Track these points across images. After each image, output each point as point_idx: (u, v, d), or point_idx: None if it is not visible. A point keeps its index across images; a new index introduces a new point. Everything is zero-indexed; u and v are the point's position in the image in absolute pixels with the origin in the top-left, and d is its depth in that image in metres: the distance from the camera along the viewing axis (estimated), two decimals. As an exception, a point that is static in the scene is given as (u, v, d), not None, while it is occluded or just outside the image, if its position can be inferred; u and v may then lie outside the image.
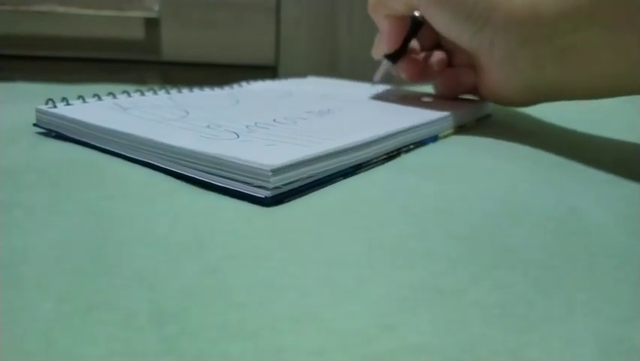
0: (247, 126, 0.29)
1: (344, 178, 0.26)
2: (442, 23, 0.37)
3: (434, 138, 0.34)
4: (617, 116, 0.43)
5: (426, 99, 0.42)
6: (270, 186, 0.22)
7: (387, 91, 0.46)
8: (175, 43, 1.11)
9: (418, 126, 0.33)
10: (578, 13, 0.30)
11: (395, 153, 0.30)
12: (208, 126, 0.28)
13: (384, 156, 0.29)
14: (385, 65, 0.42)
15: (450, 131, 0.36)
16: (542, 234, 0.21)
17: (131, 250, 0.18)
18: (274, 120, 0.31)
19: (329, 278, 0.17)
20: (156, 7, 1.07)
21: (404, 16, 0.39)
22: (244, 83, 0.47)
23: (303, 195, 0.23)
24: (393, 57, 0.41)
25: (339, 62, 1.14)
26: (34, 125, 0.31)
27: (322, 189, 0.24)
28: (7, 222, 0.19)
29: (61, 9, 1.03)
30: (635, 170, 0.28)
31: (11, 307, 0.14)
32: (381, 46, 0.41)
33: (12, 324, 0.14)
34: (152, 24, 1.09)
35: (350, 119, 0.34)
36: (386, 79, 0.44)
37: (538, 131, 0.38)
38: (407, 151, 0.31)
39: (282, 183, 0.22)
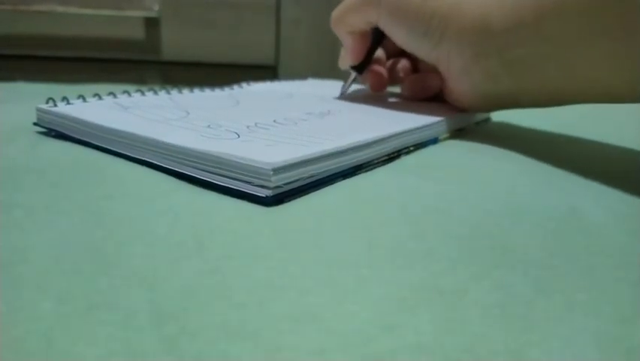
0: (247, 127, 0.29)
1: (344, 179, 0.26)
2: (401, 39, 0.38)
3: (434, 141, 0.34)
4: (617, 119, 0.43)
5: (393, 100, 0.43)
6: (271, 185, 0.22)
7: (388, 94, 0.46)
8: (175, 43, 1.10)
9: (418, 128, 0.33)
10: (522, 28, 0.31)
11: (395, 154, 0.30)
12: (209, 126, 0.28)
13: (385, 158, 0.29)
14: (352, 76, 0.43)
15: (447, 135, 0.36)
16: (542, 234, 0.21)
17: (130, 249, 0.18)
18: (274, 121, 0.31)
19: (329, 278, 0.17)
20: (156, 7, 1.07)
21: (366, 30, 0.40)
22: (244, 84, 0.47)
23: (303, 195, 0.23)
24: (359, 68, 0.42)
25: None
26: (35, 124, 0.31)
27: (322, 189, 0.24)
28: (7, 222, 0.19)
29: (60, 8, 1.03)
30: (635, 171, 0.28)
31: (11, 308, 0.14)
32: (347, 57, 0.42)
33: (12, 324, 0.14)
34: (152, 24, 1.09)
35: (350, 120, 0.34)
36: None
37: (537, 134, 0.38)
38: (407, 153, 0.31)
39: (283, 182, 0.22)
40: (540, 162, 0.30)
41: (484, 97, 0.36)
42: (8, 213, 0.20)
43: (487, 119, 0.43)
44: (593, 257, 0.19)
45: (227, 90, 0.44)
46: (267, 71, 1.13)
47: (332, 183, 0.25)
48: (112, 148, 0.27)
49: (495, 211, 0.22)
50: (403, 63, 0.44)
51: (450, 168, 0.28)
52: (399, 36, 0.38)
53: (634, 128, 0.38)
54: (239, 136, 0.26)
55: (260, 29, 1.12)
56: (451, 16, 0.35)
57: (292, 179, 0.23)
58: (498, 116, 0.43)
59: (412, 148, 0.32)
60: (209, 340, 0.14)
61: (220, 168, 0.23)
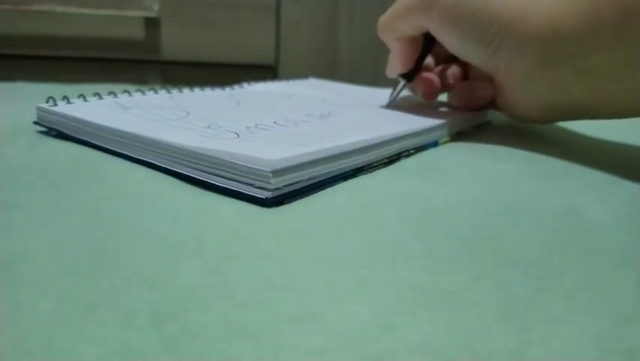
0: (247, 127, 0.29)
1: (344, 181, 0.26)
2: (454, 46, 0.36)
3: (435, 144, 0.34)
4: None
5: (442, 109, 0.41)
6: (271, 187, 0.22)
7: (437, 104, 0.44)
8: (175, 43, 1.10)
9: (419, 132, 0.32)
10: (601, 32, 0.29)
11: (395, 157, 0.30)
12: (209, 126, 0.28)
13: (385, 160, 0.29)
14: (401, 84, 0.41)
15: (447, 138, 0.36)
16: (542, 234, 0.21)
17: (130, 249, 0.18)
18: (275, 122, 0.31)
19: (329, 278, 0.17)
20: (156, 7, 1.07)
21: (415, 36, 0.38)
22: (245, 84, 0.47)
23: (303, 197, 0.23)
24: (409, 76, 0.40)
25: (339, 62, 1.14)
26: (35, 123, 0.31)
27: (323, 191, 0.24)
28: (8, 222, 0.19)
29: (60, 8, 1.03)
30: (635, 171, 0.28)
31: (12, 308, 0.14)
32: (395, 65, 0.40)
33: (13, 324, 0.14)
34: (151, 23, 1.09)
35: (351, 122, 0.33)
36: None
37: (537, 135, 0.38)
38: (407, 155, 0.31)
39: (282, 184, 0.22)
40: (539, 163, 0.30)
41: (546, 107, 0.34)
42: (8, 213, 0.20)
43: (488, 122, 0.42)
44: (593, 257, 0.19)
45: (227, 90, 0.44)
46: (267, 71, 1.13)
47: (332, 185, 0.25)
48: (112, 148, 0.27)
49: (495, 212, 0.22)
50: (454, 69, 0.41)
51: (450, 169, 0.28)
52: (452, 42, 0.35)
53: (636, 126, 0.38)
54: (238, 136, 0.26)
55: (260, 29, 1.12)
56: (513, 22, 0.32)
57: (292, 181, 0.23)
58: (498, 118, 0.43)
59: (412, 151, 0.32)
60: (210, 340, 0.14)
61: (219, 169, 0.23)
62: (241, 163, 0.22)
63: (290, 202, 0.23)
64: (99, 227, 0.19)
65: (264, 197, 0.22)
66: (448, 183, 0.26)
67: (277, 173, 0.22)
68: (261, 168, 0.22)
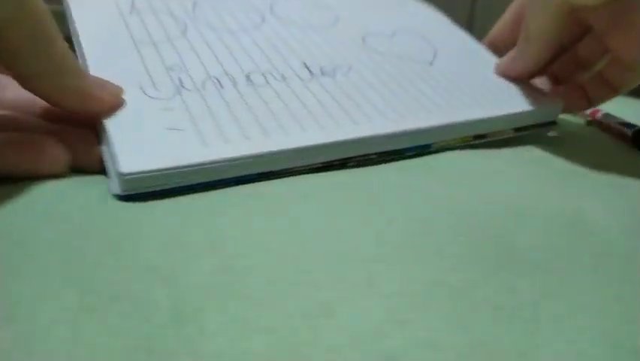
0: (248, 77, 0.27)
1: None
2: None
3: (427, 146, 0.28)
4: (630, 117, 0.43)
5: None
6: (120, 191, 0.21)
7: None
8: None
9: (430, 129, 0.27)
10: None
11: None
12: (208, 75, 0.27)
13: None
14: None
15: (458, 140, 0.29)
16: (548, 236, 0.21)
17: (146, 246, 0.18)
18: (281, 74, 0.28)
19: (341, 275, 0.17)
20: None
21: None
22: None
23: (308, 190, 0.23)
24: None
25: None
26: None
27: (326, 186, 0.24)
28: (33, 214, 0.20)
29: (62, 8, 1.03)
30: (636, 174, 0.28)
31: (37, 296, 0.15)
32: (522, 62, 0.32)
33: (38, 312, 0.14)
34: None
35: (360, 93, 0.28)
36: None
37: (543, 137, 0.39)
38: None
39: (142, 190, 0.21)
40: (546, 165, 0.30)
41: None
42: (33, 209, 0.20)
43: (549, 124, 0.33)
44: (598, 259, 0.20)
45: None
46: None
47: (336, 178, 0.25)
48: None
49: (501, 213, 0.23)
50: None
51: (456, 169, 0.29)
52: None
53: None
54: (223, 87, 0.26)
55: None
56: None
57: (157, 188, 0.21)
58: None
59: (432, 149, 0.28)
60: (227, 338, 0.14)
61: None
62: (112, 152, 0.22)
63: (297, 199, 0.23)
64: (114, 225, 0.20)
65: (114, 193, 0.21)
66: (453, 182, 0.26)
67: (130, 181, 0.21)
68: (118, 169, 0.21)
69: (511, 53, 0.33)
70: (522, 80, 0.33)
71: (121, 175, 0.21)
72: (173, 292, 0.16)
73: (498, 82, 0.32)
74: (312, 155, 0.25)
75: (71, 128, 0.24)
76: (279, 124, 0.25)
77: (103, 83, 0.23)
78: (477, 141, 0.30)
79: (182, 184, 0.22)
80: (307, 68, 0.29)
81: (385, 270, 0.18)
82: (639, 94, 0.49)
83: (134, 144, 0.22)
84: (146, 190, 0.21)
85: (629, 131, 0.34)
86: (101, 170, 0.23)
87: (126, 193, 0.21)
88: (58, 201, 0.21)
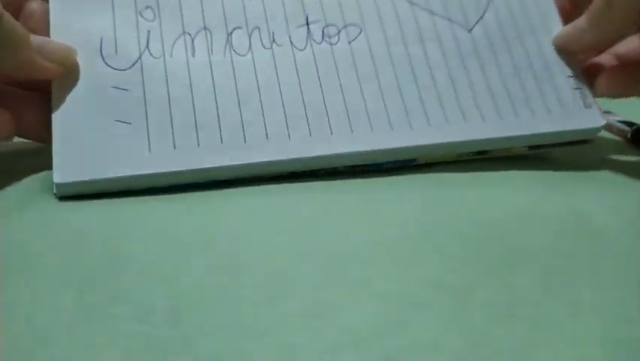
0: (229, 35, 0.23)
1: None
2: None
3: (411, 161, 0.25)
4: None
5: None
6: (57, 193, 0.21)
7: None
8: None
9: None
10: None
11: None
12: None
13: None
14: None
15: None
16: (548, 235, 0.21)
17: (144, 247, 0.18)
18: (271, 36, 0.24)
19: (338, 275, 0.17)
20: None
21: None
22: None
23: (305, 191, 0.23)
24: None
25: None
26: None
27: (325, 186, 0.24)
28: (29, 216, 0.20)
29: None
30: (636, 174, 0.28)
31: (34, 297, 0.15)
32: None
33: (35, 313, 0.14)
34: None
35: (361, 72, 0.24)
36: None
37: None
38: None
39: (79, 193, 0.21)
40: (545, 165, 0.30)
41: None
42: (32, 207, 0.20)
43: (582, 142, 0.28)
44: (598, 258, 0.19)
45: None
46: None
47: (330, 179, 0.24)
48: None
49: (501, 214, 0.23)
50: None
51: (456, 170, 0.28)
52: None
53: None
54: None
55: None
56: None
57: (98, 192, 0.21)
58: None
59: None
60: (224, 338, 0.14)
61: None
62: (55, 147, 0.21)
63: (294, 195, 0.23)
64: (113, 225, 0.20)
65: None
66: (451, 183, 0.26)
67: (64, 187, 0.20)
68: (55, 173, 0.20)
69: (578, 22, 0.26)
70: (584, 58, 0.28)
71: (55, 184, 0.20)
72: (171, 293, 0.16)
73: (540, 72, 0.26)
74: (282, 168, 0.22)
75: (20, 92, 0.23)
76: (251, 128, 0.22)
77: (49, 50, 0.21)
78: (477, 157, 0.27)
79: (127, 189, 0.21)
80: (307, 26, 0.24)
81: (383, 270, 0.18)
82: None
83: (74, 149, 0.21)
84: (84, 193, 0.21)
85: (629, 130, 0.34)
86: (49, 138, 0.22)
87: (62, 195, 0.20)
88: (51, 203, 0.21)
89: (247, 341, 0.14)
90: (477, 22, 0.26)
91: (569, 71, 0.26)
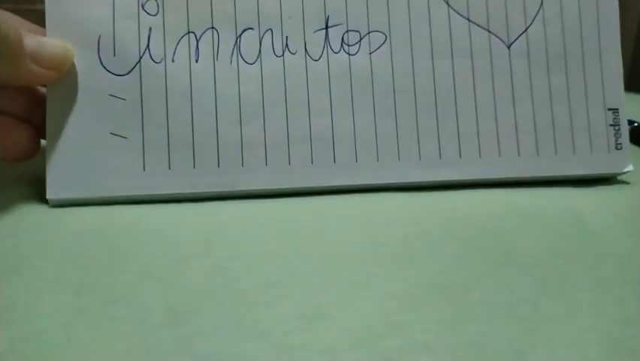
0: (238, 38, 0.21)
1: None
2: None
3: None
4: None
5: None
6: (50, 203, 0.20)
7: None
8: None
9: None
10: None
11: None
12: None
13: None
14: None
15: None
16: (546, 236, 0.21)
17: (143, 249, 0.18)
18: (284, 41, 0.22)
19: (336, 276, 0.17)
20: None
21: None
22: None
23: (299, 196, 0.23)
24: None
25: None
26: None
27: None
28: (28, 220, 0.20)
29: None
30: (636, 174, 0.28)
31: (32, 299, 0.15)
32: None
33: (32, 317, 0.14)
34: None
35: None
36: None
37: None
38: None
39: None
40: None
41: None
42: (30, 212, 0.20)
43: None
44: (596, 259, 0.19)
45: None
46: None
47: None
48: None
49: (498, 214, 0.23)
50: None
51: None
52: None
53: None
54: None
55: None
56: None
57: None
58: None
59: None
60: (223, 339, 0.14)
61: None
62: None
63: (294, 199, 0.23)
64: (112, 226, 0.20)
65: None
66: (451, 185, 0.26)
67: (56, 201, 0.20)
68: (48, 189, 0.20)
69: None
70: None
71: (48, 199, 0.20)
72: (168, 294, 0.16)
73: (577, 103, 0.24)
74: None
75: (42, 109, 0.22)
76: (251, 151, 0.21)
77: (45, 56, 0.20)
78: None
79: (121, 203, 0.21)
80: (326, 30, 0.22)
81: (381, 271, 0.18)
82: (638, 88, 0.49)
83: (68, 164, 0.20)
84: (77, 204, 0.20)
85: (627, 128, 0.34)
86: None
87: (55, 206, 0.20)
88: (46, 206, 0.21)
89: (245, 342, 0.14)
90: (519, 37, 0.24)
91: (611, 103, 0.25)
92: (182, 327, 0.14)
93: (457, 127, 0.23)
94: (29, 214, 0.20)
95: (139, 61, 0.21)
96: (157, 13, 0.21)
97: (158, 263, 0.17)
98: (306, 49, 0.22)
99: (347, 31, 0.22)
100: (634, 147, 0.33)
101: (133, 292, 0.16)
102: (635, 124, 0.33)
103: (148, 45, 0.21)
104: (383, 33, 0.22)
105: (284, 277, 0.17)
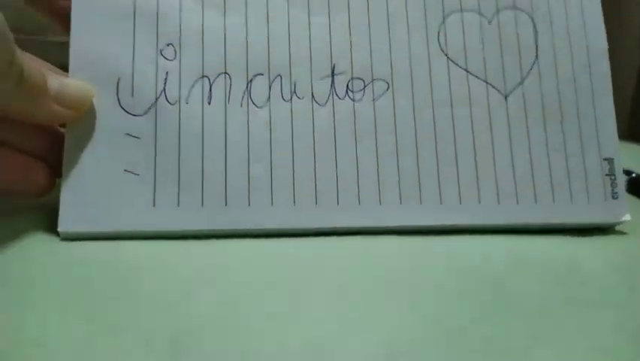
0: (250, 82, 0.22)
1: None
2: None
3: None
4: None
5: None
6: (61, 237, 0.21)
7: None
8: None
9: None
10: None
11: None
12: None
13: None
14: None
15: None
16: (542, 282, 0.21)
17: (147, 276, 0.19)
18: (292, 87, 0.23)
19: (338, 311, 0.18)
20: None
21: None
22: None
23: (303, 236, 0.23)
24: None
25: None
26: None
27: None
28: (38, 249, 0.20)
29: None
30: (634, 224, 0.29)
31: (41, 325, 0.15)
32: None
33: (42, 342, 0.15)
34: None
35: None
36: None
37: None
38: None
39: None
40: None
41: None
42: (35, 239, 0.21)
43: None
44: (591, 307, 0.20)
45: None
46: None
47: None
48: None
49: (497, 256, 0.23)
50: None
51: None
52: None
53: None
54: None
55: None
56: None
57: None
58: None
59: None
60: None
61: None
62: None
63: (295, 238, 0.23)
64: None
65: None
66: (443, 235, 0.24)
67: (70, 235, 0.21)
68: (60, 221, 0.21)
69: None
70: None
71: (60, 231, 0.21)
72: (174, 323, 0.16)
73: (573, 153, 0.25)
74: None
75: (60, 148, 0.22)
76: (257, 192, 0.22)
77: (67, 96, 0.21)
78: None
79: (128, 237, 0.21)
80: (332, 77, 0.23)
81: (381, 307, 0.18)
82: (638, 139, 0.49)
83: (81, 199, 0.21)
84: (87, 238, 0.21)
85: (624, 178, 0.34)
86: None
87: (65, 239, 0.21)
88: (56, 238, 0.21)
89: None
90: (515, 88, 0.25)
91: (606, 153, 0.26)
92: (187, 357, 0.15)
93: (457, 173, 0.24)
94: (40, 245, 0.20)
95: (155, 102, 0.22)
96: (174, 59, 0.22)
97: (164, 292, 0.18)
98: (312, 95, 0.23)
99: (352, 78, 0.23)
100: (633, 198, 0.34)
101: (139, 321, 0.16)
102: (634, 175, 0.34)
103: (164, 88, 0.22)
104: (386, 81, 0.24)
105: (289, 310, 0.17)
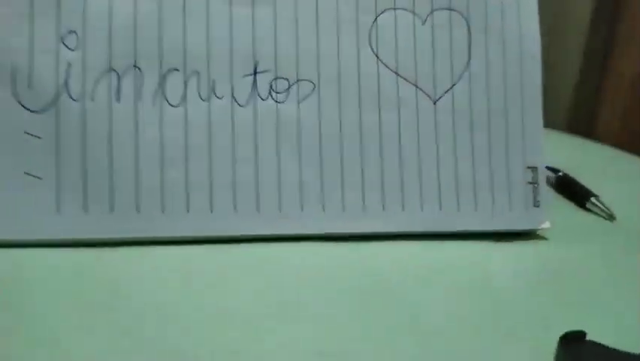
0: (162, 78, 0.20)
1: None
2: None
3: None
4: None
5: None
6: None
7: None
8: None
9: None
10: None
11: None
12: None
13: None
14: None
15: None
16: (452, 300, 0.21)
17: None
18: (211, 84, 0.21)
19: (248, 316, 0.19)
20: None
21: None
22: None
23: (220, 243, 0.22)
24: None
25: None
26: None
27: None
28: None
29: None
30: (557, 228, 0.29)
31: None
32: None
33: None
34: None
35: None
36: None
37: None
38: None
39: None
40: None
41: None
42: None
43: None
44: (502, 321, 0.20)
45: None
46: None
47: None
48: None
49: (406, 275, 0.22)
50: None
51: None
52: None
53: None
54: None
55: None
56: None
57: None
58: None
59: None
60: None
61: None
62: None
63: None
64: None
65: None
66: (364, 242, 0.24)
67: None
68: None
69: None
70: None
71: None
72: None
73: (498, 160, 0.25)
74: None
75: None
76: (172, 197, 0.20)
77: None
78: None
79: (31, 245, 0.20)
80: (254, 76, 0.21)
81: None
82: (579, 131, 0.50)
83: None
84: None
85: (552, 177, 0.33)
86: None
87: None
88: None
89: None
90: (445, 93, 0.24)
91: (531, 161, 0.26)
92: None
93: (382, 180, 0.23)
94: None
95: (56, 98, 0.19)
96: (77, 48, 0.19)
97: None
98: (232, 94, 0.21)
99: (276, 78, 0.22)
100: (559, 197, 0.34)
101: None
102: (560, 173, 0.34)
103: (67, 81, 0.19)
104: (312, 82, 0.22)
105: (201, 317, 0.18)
